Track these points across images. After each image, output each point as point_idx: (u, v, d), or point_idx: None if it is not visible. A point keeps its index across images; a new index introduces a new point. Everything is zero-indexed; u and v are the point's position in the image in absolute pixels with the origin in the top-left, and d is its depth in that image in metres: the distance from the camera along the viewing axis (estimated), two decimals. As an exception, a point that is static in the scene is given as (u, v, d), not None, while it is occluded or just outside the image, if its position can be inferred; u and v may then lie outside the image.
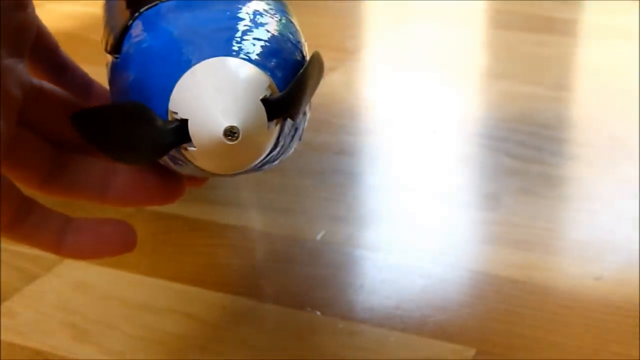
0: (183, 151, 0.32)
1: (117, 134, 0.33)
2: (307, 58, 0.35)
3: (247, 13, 0.34)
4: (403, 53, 0.87)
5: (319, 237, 0.54)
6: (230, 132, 0.30)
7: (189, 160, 0.32)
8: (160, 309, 0.47)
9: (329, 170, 0.62)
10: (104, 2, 0.42)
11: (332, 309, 0.47)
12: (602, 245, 0.53)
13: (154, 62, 0.33)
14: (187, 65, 0.31)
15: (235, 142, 0.30)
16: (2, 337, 0.45)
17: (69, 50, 0.40)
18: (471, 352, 0.44)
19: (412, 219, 0.56)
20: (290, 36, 0.35)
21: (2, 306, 0.47)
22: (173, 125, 0.31)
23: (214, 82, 0.31)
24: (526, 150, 0.65)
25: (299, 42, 0.35)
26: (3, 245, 0.52)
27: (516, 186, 0.60)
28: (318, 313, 0.46)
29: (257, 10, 0.35)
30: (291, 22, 0.36)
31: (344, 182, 0.61)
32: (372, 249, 0.53)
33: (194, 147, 0.31)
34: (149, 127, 0.31)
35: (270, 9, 0.36)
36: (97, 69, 0.39)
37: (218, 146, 0.30)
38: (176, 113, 0.31)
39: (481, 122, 0.71)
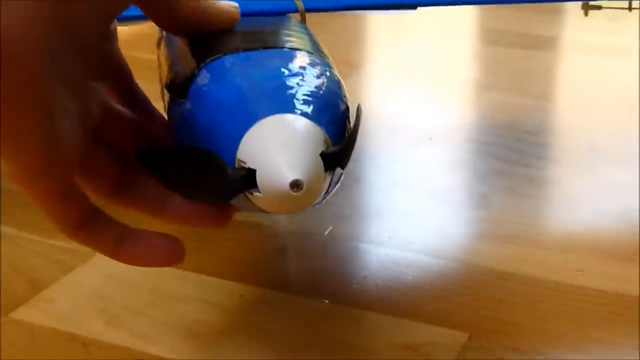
0: (248, 194, 0.32)
1: (186, 176, 0.33)
2: (347, 102, 0.36)
3: (301, 67, 0.35)
4: (402, 66, 0.87)
5: (326, 233, 0.54)
6: (296, 185, 0.30)
7: (250, 201, 0.32)
8: (184, 297, 0.47)
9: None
10: (162, 41, 0.43)
11: (339, 297, 0.47)
12: (582, 240, 0.53)
13: (222, 112, 0.33)
14: (253, 119, 0.31)
15: (299, 193, 0.30)
16: (42, 322, 0.45)
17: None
18: (465, 336, 0.44)
19: (411, 217, 0.56)
20: (336, 89, 0.35)
21: (42, 294, 0.47)
22: (242, 174, 0.31)
23: (280, 137, 0.31)
24: (513, 154, 0.65)
25: (342, 93, 0.36)
26: (42, 239, 0.52)
27: (504, 187, 0.60)
28: (326, 301, 0.47)
29: (308, 65, 0.35)
30: (333, 72, 0.37)
31: (349, 183, 0.61)
32: (374, 243, 0.53)
33: (260, 193, 0.31)
34: (218, 173, 0.32)
35: (316, 61, 0.36)
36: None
37: (283, 195, 0.30)
38: (244, 162, 0.31)
39: (473, 129, 0.71)
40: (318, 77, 0.35)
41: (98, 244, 0.35)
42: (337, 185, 0.35)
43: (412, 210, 0.57)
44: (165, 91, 0.39)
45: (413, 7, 0.52)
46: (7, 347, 0.43)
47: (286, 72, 0.34)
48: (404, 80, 0.83)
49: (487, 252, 0.52)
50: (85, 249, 0.51)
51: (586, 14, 0.59)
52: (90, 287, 0.48)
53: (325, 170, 0.32)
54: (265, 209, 0.33)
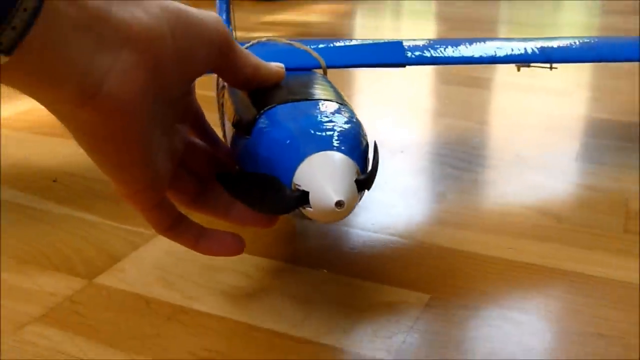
0: (301, 209, 0.33)
1: (254, 194, 0.34)
2: (367, 140, 0.37)
3: (333, 114, 0.35)
4: (382, 98, 0.87)
5: (325, 220, 0.53)
6: (339, 204, 0.31)
7: (302, 212, 0.33)
8: (221, 268, 0.46)
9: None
10: (225, 89, 0.44)
11: (335, 267, 0.46)
12: (512, 225, 0.52)
13: (280, 148, 0.33)
14: (305, 154, 0.32)
15: (341, 210, 0.31)
16: (116, 286, 0.44)
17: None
18: (427, 297, 0.43)
19: (388, 209, 0.55)
20: (359, 130, 0.36)
21: (116, 265, 0.47)
22: (297, 194, 0.32)
23: (326, 168, 0.32)
24: (461, 163, 0.65)
25: (363, 133, 0.36)
26: (117, 224, 0.52)
27: (456, 187, 0.60)
28: (325, 271, 0.46)
29: (338, 113, 0.36)
30: (356, 116, 0.37)
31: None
32: (361, 228, 0.52)
33: (311, 209, 0.32)
34: (280, 193, 0.32)
35: (343, 109, 0.37)
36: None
37: (329, 211, 0.31)
38: (299, 185, 0.32)
39: (432, 144, 0.71)
40: (347, 122, 0.35)
41: (182, 240, 0.36)
42: (362, 199, 0.35)
43: (388, 204, 0.56)
44: (231, 127, 0.39)
45: (402, 65, 0.52)
46: (90, 304, 0.42)
47: (324, 118, 0.35)
48: (383, 108, 0.83)
49: (444, 235, 0.51)
50: (148, 232, 0.50)
51: (518, 70, 0.59)
52: (152, 261, 0.47)
53: (358, 192, 0.32)
54: (313, 218, 0.33)
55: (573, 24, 1.42)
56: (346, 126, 0.35)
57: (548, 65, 0.57)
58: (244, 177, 0.35)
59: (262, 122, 0.35)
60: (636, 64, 1.03)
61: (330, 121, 0.34)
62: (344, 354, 0.38)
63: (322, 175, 0.31)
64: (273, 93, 0.37)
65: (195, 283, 0.44)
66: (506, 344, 0.38)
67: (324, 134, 0.33)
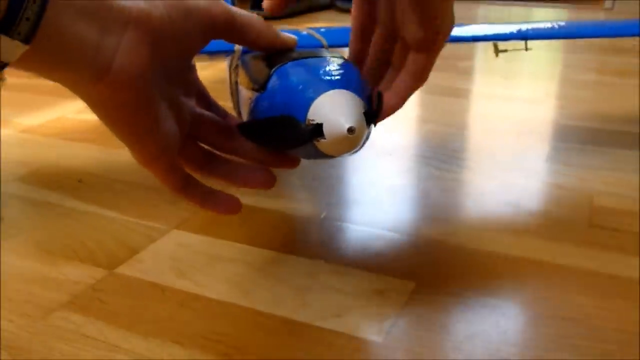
0: (315, 142, 0.32)
1: (273, 134, 0.33)
2: (368, 85, 0.36)
3: (340, 65, 0.35)
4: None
5: (322, 216, 0.53)
6: (351, 130, 0.30)
7: (316, 147, 0.32)
8: (228, 258, 0.46)
9: (327, 176, 0.61)
10: (238, 67, 0.43)
11: (331, 258, 0.46)
12: (489, 220, 0.52)
13: (294, 92, 0.33)
14: (318, 92, 0.32)
15: (353, 135, 0.31)
16: (134, 275, 0.44)
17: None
18: (413, 285, 0.43)
19: (378, 205, 0.55)
20: (361, 77, 0.35)
21: (135, 256, 0.46)
22: (312, 127, 0.31)
23: (337, 102, 0.31)
24: (443, 164, 0.64)
25: (364, 80, 0.36)
26: (136, 220, 0.52)
27: (439, 186, 0.59)
28: (322, 261, 0.45)
29: (344, 65, 0.35)
30: (357, 69, 0.37)
31: (336, 183, 0.60)
32: (353, 222, 0.52)
33: (326, 138, 0.31)
34: (297, 128, 0.32)
35: (348, 63, 0.36)
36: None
37: (342, 138, 0.31)
38: (313, 120, 0.31)
39: (417, 147, 0.70)
40: (352, 71, 0.35)
41: (192, 199, 0.36)
42: (367, 141, 0.35)
43: (378, 201, 0.56)
44: (247, 90, 0.38)
45: None
46: (111, 291, 0.42)
47: (332, 68, 0.34)
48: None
49: (428, 229, 0.50)
50: (164, 227, 0.50)
51: (497, 55, 0.58)
52: (167, 252, 0.47)
53: (367, 124, 0.32)
54: (327, 151, 0.32)
55: (542, 41, 1.43)
56: (351, 74, 0.35)
57: (523, 46, 0.57)
58: (262, 122, 0.35)
59: (275, 77, 0.35)
60: (597, 75, 1.03)
61: (338, 69, 0.34)
62: (339, 336, 0.37)
63: (333, 107, 0.31)
64: (283, 57, 0.38)
65: (205, 273, 0.44)
66: (484, 326, 0.38)
67: (332, 77, 0.33)
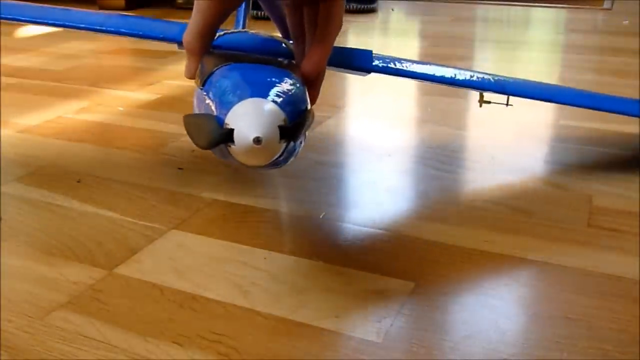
0: (228, 147, 0.33)
1: (197, 130, 0.34)
2: (307, 105, 0.36)
3: (280, 76, 0.35)
4: (372, 108, 0.87)
5: (321, 216, 0.53)
6: (257, 140, 0.31)
7: (230, 154, 0.33)
8: (227, 259, 0.46)
9: (327, 177, 0.61)
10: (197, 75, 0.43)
11: (329, 258, 0.46)
12: (488, 221, 0.52)
13: (222, 95, 0.34)
14: (239, 99, 0.33)
15: (259, 146, 0.31)
16: (134, 275, 0.44)
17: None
18: (412, 284, 0.43)
19: (377, 205, 0.55)
20: (299, 94, 0.35)
21: (134, 257, 0.46)
22: (225, 131, 0.32)
23: (251, 110, 0.32)
24: (442, 165, 0.64)
25: (304, 98, 0.36)
26: (135, 221, 0.52)
27: (438, 186, 0.59)
28: (321, 262, 0.45)
29: (285, 75, 0.36)
30: (300, 84, 0.37)
31: (336, 183, 0.60)
32: (354, 223, 0.52)
33: (235, 145, 0.32)
34: (211, 129, 0.33)
35: (292, 77, 0.36)
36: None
37: (248, 147, 0.31)
38: (228, 125, 0.32)
39: (417, 148, 0.70)
40: (288, 84, 0.35)
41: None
42: (291, 157, 0.35)
43: (378, 201, 0.56)
44: (195, 85, 0.40)
45: (368, 71, 0.52)
46: (110, 292, 0.42)
47: (267, 76, 0.35)
48: (373, 117, 0.82)
49: (427, 229, 0.50)
50: (163, 228, 0.50)
51: (480, 105, 0.60)
52: (166, 253, 0.47)
53: (280, 139, 0.32)
54: (239, 159, 0.33)
55: (541, 42, 1.42)
56: (285, 85, 0.35)
57: (505, 101, 0.58)
58: (190, 117, 0.36)
59: (213, 76, 0.37)
60: (596, 75, 1.04)
61: (272, 79, 0.35)
62: (338, 336, 0.37)
63: (246, 115, 0.32)
64: (232, 58, 0.38)
65: (204, 273, 0.44)
66: (483, 326, 0.38)
67: (259, 86, 0.34)
